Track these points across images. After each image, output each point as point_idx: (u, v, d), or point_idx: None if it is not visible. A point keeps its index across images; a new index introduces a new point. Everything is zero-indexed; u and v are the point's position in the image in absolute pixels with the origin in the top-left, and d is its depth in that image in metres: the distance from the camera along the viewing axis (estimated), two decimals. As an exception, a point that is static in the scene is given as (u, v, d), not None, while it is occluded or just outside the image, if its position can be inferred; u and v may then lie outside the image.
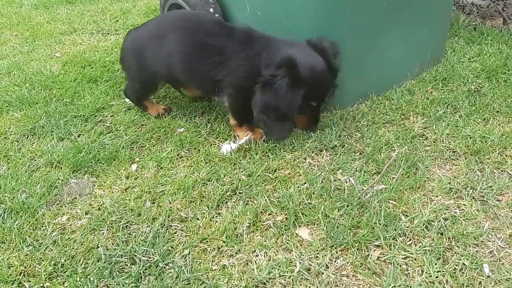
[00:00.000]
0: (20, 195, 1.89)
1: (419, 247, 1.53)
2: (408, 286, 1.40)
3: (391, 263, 1.48)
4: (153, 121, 2.34)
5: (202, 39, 2.13)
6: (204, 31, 2.15)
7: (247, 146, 2.07)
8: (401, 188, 1.78)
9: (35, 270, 1.55)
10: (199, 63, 2.13)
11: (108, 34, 3.67)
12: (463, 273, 1.44)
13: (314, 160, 2.00)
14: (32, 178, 1.99)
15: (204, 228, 1.68)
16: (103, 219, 1.74)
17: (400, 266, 1.47)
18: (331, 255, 1.53)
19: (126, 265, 1.55)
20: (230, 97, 2.12)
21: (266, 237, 1.62)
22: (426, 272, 1.44)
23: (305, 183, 1.85)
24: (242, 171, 1.93)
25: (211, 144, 2.14)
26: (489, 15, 3.23)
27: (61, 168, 2.05)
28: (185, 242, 1.63)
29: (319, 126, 2.18)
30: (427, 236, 1.57)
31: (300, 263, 1.51)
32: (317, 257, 1.53)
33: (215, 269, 1.52)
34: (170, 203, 1.80)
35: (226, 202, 1.79)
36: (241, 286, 1.44)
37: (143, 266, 1.53)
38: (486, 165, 1.88)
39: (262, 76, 1.96)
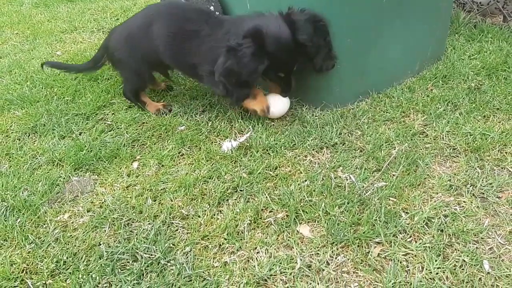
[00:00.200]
0: (22, 193, 1.90)
1: (420, 243, 1.53)
2: (408, 283, 1.41)
3: (391, 260, 1.49)
4: (154, 119, 2.35)
5: (182, 25, 2.22)
6: (185, 17, 2.25)
7: (248, 144, 2.08)
8: (401, 185, 1.78)
9: (37, 267, 1.56)
10: (180, 47, 2.22)
11: (109, 32, 3.67)
12: (463, 269, 1.44)
13: (314, 157, 2.00)
14: (34, 176, 2.00)
15: (205, 226, 1.69)
16: (104, 216, 1.75)
17: (401, 262, 1.48)
18: (332, 252, 1.54)
19: (128, 262, 1.56)
20: (213, 85, 2.19)
21: (267, 234, 1.63)
22: (426, 269, 1.45)
23: (305, 180, 1.86)
24: (243, 169, 1.94)
25: (212, 142, 2.15)
26: (489, 12, 3.22)
27: (63, 166, 2.06)
28: (186, 239, 1.64)
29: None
30: (427, 233, 1.57)
31: (301, 260, 1.52)
32: (318, 254, 1.54)
33: (217, 266, 1.53)
34: (172, 200, 1.81)
35: (227, 200, 1.80)
36: (242, 282, 1.45)
37: (145, 263, 1.53)
38: (486, 162, 1.88)
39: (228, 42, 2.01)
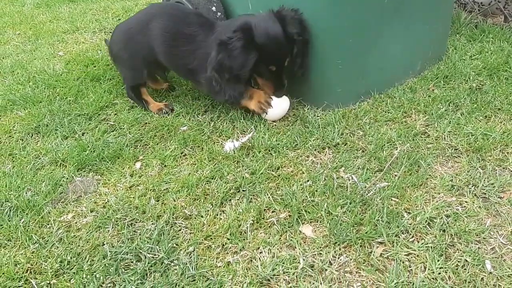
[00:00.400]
0: (26, 193, 1.90)
1: (422, 243, 1.54)
2: (411, 283, 1.42)
3: (394, 260, 1.50)
4: (157, 119, 2.36)
5: (178, 27, 2.27)
6: (182, 20, 2.30)
7: (250, 144, 2.08)
8: (403, 186, 1.79)
9: (41, 267, 1.57)
10: (175, 49, 2.28)
11: (111, 32, 3.67)
12: (465, 269, 1.45)
13: (316, 158, 2.01)
14: (37, 177, 2.00)
15: (208, 226, 1.69)
16: (108, 216, 1.76)
17: (403, 262, 1.49)
18: (335, 252, 1.55)
19: (132, 262, 1.56)
20: (212, 92, 2.25)
21: (270, 234, 1.64)
22: (428, 269, 1.46)
23: (308, 180, 1.86)
24: (245, 169, 1.95)
25: (214, 142, 2.16)
26: (490, 12, 3.23)
27: (66, 166, 2.07)
28: (189, 239, 1.64)
29: (286, 90, 2.23)
30: (430, 233, 1.58)
31: (304, 259, 1.52)
32: (321, 254, 1.55)
33: (220, 266, 1.53)
34: (174, 200, 1.82)
35: (230, 200, 1.81)
36: (245, 282, 1.46)
37: (148, 263, 1.54)
38: (488, 162, 1.89)
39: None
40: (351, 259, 1.52)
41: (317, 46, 2.18)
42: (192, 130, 2.24)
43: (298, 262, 1.52)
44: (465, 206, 1.69)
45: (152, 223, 1.71)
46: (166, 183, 1.91)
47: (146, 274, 1.51)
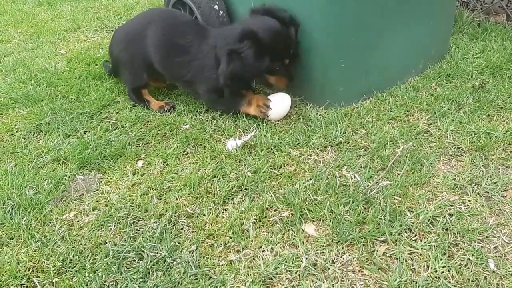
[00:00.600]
0: (28, 191, 1.90)
1: (425, 242, 1.54)
2: (413, 281, 1.41)
3: (396, 259, 1.50)
4: (159, 118, 2.36)
5: (174, 38, 2.30)
6: (177, 29, 2.34)
7: (252, 143, 2.08)
8: (406, 184, 1.78)
9: (43, 265, 1.57)
10: (171, 60, 2.31)
11: (112, 31, 3.67)
12: (468, 268, 1.45)
13: (319, 156, 2.01)
14: (39, 175, 2.00)
15: (211, 224, 1.69)
16: (110, 215, 1.76)
17: (406, 261, 1.49)
18: (337, 250, 1.55)
19: (134, 260, 1.56)
20: (211, 102, 2.32)
21: (272, 232, 1.64)
22: (431, 267, 1.45)
23: (310, 179, 1.86)
24: (247, 168, 1.95)
25: (216, 141, 2.15)
26: (493, 11, 3.22)
27: (68, 164, 2.06)
28: (192, 237, 1.64)
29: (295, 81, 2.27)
30: (433, 232, 1.58)
31: (306, 258, 1.52)
32: (323, 252, 1.54)
33: (222, 265, 1.53)
34: (177, 199, 1.82)
35: (232, 198, 1.80)
36: (248, 281, 1.46)
37: (150, 261, 1.54)
38: (491, 161, 1.88)
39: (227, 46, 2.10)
40: (353, 258, 1.52)
41: (319, 45, 2.18)
42: (194, 129, 2.24)
43: (301, 261, 1.51)
44: (468, 205, 1.68)
45: (155, 222, 1.71)
46: (168, 182, 1.91)
47: (149, 273, 1.51)
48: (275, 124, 2.23)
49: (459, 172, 1.84)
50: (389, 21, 2.26)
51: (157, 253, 1.57)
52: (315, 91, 2.33)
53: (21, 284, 1.51)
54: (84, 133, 2.28)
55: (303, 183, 1.83)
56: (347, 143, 2.06)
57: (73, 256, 1.59)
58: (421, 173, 1.84)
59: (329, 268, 1.49)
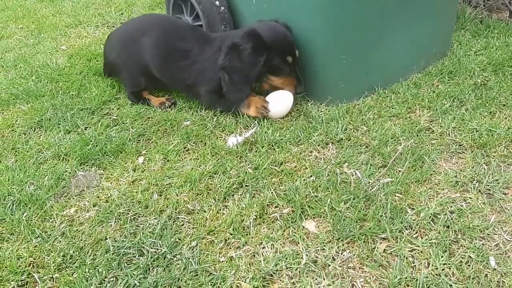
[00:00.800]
0: (28, 187, 1.90)
1: (426, 239, 1.53)
2: (414, 279, 1.41)
3: (397, 256, 1.49)
4: (159, 114, 2.35)
5: (172, 42, 2.33)
6: (175, 34, 2.36)
7: (253, 139, 2.07)
8: (407, 181, 1.78)
9: (44, 261, 1.57)
10: (172, 65, 2.34)
11: (113, 27, 3.67)
12: (469, 265, 1.44)
13: (320, 153, 2.00)
14: (40, 171, 2.00)
15: (211, 220, 1.69)
16: (110, 211, 1.75)
17: (407, 258, 1.48)
18: (338, 247, 1.54)
19: (134, 256, 1.56)
20: (213, 103, 2.32)
21: (273, 229, 1.63)
22: (432, 265, 1.45)
23: (311, 176, 1.86)
24: (248, 164, 1.94)
25: (217, 137, 2.15)
26: (495, 8, 3.21)
27: (69, 160, 2.06)
28: (192, 234, 1.64)
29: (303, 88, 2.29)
30: (433, 229, 1.57)
31: (307, 255, 1.52)
32: (324, 249, 1.54)
33: (223, 261, 1.53)
34: (177, 195, 1.81)
35: (233, 195, 1.80)
36: (248, 277, 1.46)
37: (151, 257, 1.54)
38: (492, 158, 1.88)
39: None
40: (354, 255, 1.51)
41: (321, 42, 2.17)
42: (195, 125, 2.24)
43: (301, 258, 1.51)
44: (469, 202, 1.68)
45: (155, 218, 1.71)
46: (169, 178, 1.91)
47: (149, 269, 1.51)
48: (276, 121, 2.22)
49: (460, 170, 1.84)
50: (390, 19, 2.25)
51: (157, 249, 1.57)
52: (317, 88, 2.32)
53: (22, 280, 1.51)
54: (85, 129, 2.28)
55: (304, 180, 1.83)
56: (348, 140, 2.05)
57: (73, 252, 1.59)
58: (422, 170, 1.83)
59: (329, 265, 1.48)
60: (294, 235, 1.60)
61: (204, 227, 1.66)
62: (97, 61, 3.00)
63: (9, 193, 1.87)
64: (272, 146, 2.05)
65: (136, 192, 1.84)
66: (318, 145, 2.04)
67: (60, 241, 1.64)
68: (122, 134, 2.21)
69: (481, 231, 1.56)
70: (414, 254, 1.50)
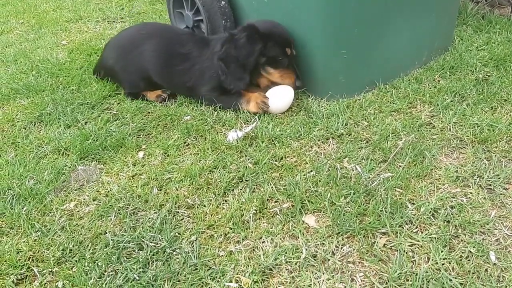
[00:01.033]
0: (28, 181, 1.90)
1: (426, 234, 1.53)
2: (414, 273, 1.40)
3: (397, 250, 1.49)
4: (160, 109, 2.35)
5: (175, 48, 2.38)
6: (175, 40, 2.41)
7: (253, 134, 2.07)
8: (407, 176, 1.77)
9: (43, 255, 1.56)
10: (172, 69, 2.38)
11: (114, 22, 3.67)
12: (469, 260, 1.44)
13: (320, 148, 2.00)
14: (40, 165, 2.00)
15: (211, 215, 1.69)
16: (110, 205, 1.75)
17: (406, 253, 1.48)
18: (337, 242, 1.54)
19: (134, 250, 1.56)
20: (215, 101, 2.31)
21: (273, 224, 1.63)
22: (432, 259, 1.44)
23: (311, 171, 1.85)
24: (248, 159, 1.94)
25: (217, 132, 2.14)
26: (497, 3, 3.19)
27: (69, 155, 2.06)
28: (192, 228, 1.64)
29: (302, 82, 2.33)
30: (434, 224, 1.57)
31: (306, 249, 1.52)
32: (323, 244, 1.54)
33: (222, 255, 1.53)
34: (177, 190, 1.81)
35: (233, 190, 1.80)
36: (247, 272, 1.45)
37: (150, 251, 1.54)
38: (494, 153, 1.87)
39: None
40: (354, 249, 1.51)
41: (321, 36, 2.16)
42: (195, 120, 2.23)
43: (301, 252, 1.51)
44: (470, 197, 1.67)
45: (155, 212, 1.71)
46: (169, 173, 1.91)
47: (148, 263, 1.51)
48: (276, 116, 2.22)
49: (461, 165, 1.83)
50: (391, 13, 2.24)
51: (157, 244, 1.57)
52: (317, 83, 2.31)
53: (21, 274, 1.51)
54: (85, 124, 2.28)
55: (304, 175, 1.82)
56: (349, 135, 2.05)
57: (73, 246, 1.59)
58: (423, 165, 1.83)
59: (329, 260, 1.48)
60: (293, 230, 1.60)
61: (203, 222, 1.66)
62: (98, 56, 2.98)
63: (9, 187, 1.87)
64: (273, 141, 2.04)
65: (136, 186, 1.84)
66: (319, 140, 2.03)
67: (59, 235, 1.64)
68: (122, 128, 2.21)
69: (481, 226, 1.55)
70: (414, 248, 1.49)
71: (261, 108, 2.20)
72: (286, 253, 1.50)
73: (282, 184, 1.79)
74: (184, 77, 2.35)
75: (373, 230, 1.56)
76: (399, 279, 1.39)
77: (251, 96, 2.24)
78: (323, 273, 1.44)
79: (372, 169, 1.83)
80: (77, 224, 1.69)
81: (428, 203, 1.64)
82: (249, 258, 1.51)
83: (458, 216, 1.59)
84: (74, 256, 1.55)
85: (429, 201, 1.66)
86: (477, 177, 1.76)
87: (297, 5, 2.16)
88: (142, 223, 1.66)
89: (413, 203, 1.66)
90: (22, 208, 1.77)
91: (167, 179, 1.87)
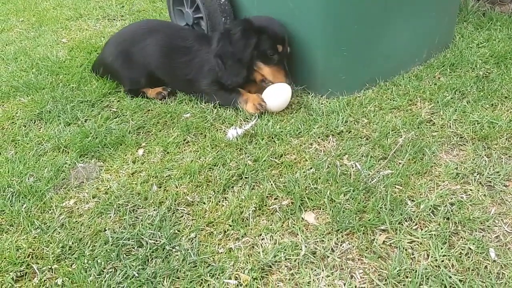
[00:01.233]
0: (28, 179, 1.90)
1: (425, 231, 1.53)
2: (413, 270, 1.40)
3: (396, 247, 1.49)
4: (159, 106, 2.35)
5: (176, 42, 2.41)
6: (176, 35, 2.44)
7: (253, 132, 2.07)
8: (407, 173, 1.77)
9: (43, 252, 1.56)
10: (173, 62, 2.41)
11: (114, 19, 3.67)
12: (469, 257, 1.44)
13: (320, 145, 1.99)
14: (40, 162, 2.00)
15: (210, 212, 1.69)
16: (110, 202, 1.75)
17: (406, 250, 1.47)
18: (337, 239, 1.54)
19: (133, 247, 1.56)
20: (216, 96, 2.32)
21: (272, 221, 1.63)
22: (431, 256, 1.44)
23: (311, 168, 1.85)
24: (248, 156, 1.94)
25: (217, 130, 2.14)
26: (498, 0, 3.18)
27: (68, 152, 2.06)
28: (191, 225, 1.64)
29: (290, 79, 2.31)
30: (433, 221, 1.57)
31: (306, 246, 1.51)
32: (323, 241, 1.53)
33: (221, 252, 1.52)
34: (177, 187, 1.81)
35: (232, 187, 1.80)
36: (247, 268, 1.45)
37: (150, 249, 1.54)
38: (494, 150, 1.87)
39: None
40: (353, 246, 1.51)
41: (321, 33, 2.16)
42: (195, 117, 2.23)
43: (300, 249, 1.51)
44: (469, 194, 1.67)
45: (154, 209, 1.71)
46: (168, 170, 1.90)
47: (148, 260, 1.51)
48: (276, 113, 2.21)
49: (461, 162, 1.83)
50: (392, 10, 2.23)
51: (156, 241, 1.57)
52: (317, 80, 2.31)
53: (21, 271, 1.51)
54: (85, 121, 2.28)
55: (304, 172, 1.82)
56: (349, 132, 2.04)
57: (72, 243, 1.59)
58: (423, 162, 1.82)
59: (328, 257, 1.48)
60: (293, 227, 1.59)
61: (203, 219, 1.66)
62: (98, 53, 2.98)
63: (9, 184, 1.87)
64: (272, 138, 2.04)
65: (136, 184, 1.84)
66: (318, 137, 2.03)
67: (59, 233, 1.64)
68: (122, 126, 2.21)
69: (481, 223, 1.55)
70: (414, 245, 1.49)
71: (258, 109, 2.20)
72: (285, 250, 1.50)
73: (282, 181, 1.79)
74: (185, 70, 2.37)
75: (373, 227, 1.56)
76: (399, 276, 1.39)
77: (249, 97, 2.24)
78: (323, 270, 1.44)
79: (372, 166, 1.83)
80: (76, 221, 1.69)
81: (428, 200, 1.64)
82: (248, 255, 1.50)
83: (458, 213, 1.59)
84: (74, 253, 1.55)
85: (429, 198, 1.65)
86: (477, 174, 1.75)
87: (297, 1, 2.15)
88: (141, 220, 1.66)
89: (412, 200, 1.66)
90: (22, 205, 1.77)
91: (166, 176, 1.87)
